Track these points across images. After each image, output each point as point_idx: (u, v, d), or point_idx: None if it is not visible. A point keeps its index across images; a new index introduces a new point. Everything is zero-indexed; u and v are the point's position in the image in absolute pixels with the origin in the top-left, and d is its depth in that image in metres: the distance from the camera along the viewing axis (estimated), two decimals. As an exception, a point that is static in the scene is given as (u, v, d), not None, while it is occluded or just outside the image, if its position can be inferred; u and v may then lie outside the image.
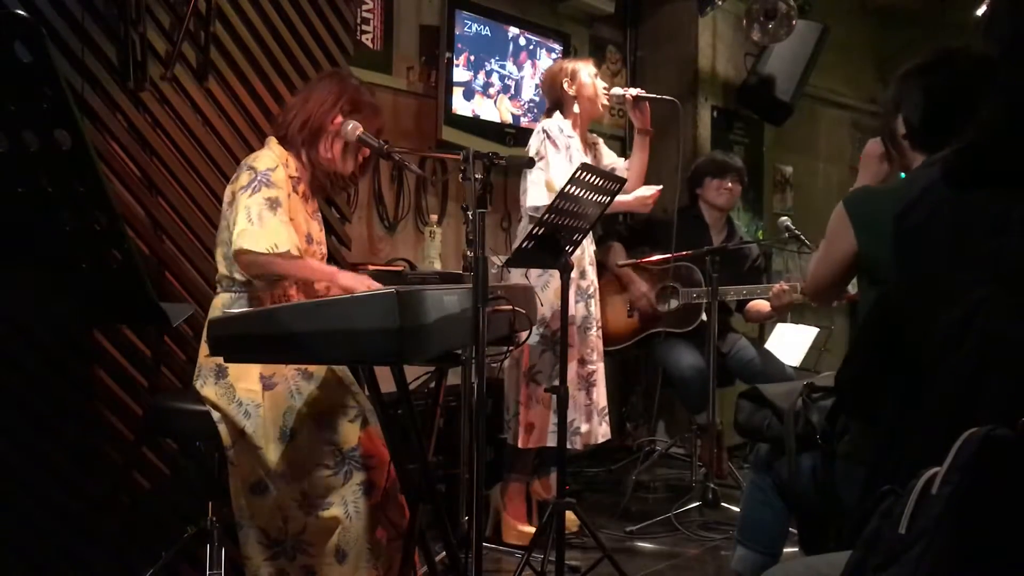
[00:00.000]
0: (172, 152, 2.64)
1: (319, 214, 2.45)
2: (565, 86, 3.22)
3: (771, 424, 1.93)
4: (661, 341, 3.80)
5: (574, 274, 3.16)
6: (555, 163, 3.09)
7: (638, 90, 3.22)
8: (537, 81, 4.20)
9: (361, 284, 2.16)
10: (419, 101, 3.93)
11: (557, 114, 3.25)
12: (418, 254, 3.83)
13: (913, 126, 1.77)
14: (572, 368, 3.13)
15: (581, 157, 3.17)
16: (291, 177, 2.28)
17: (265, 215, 2.12)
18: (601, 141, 3.44)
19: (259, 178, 2.17)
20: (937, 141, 1.66)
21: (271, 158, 2.23)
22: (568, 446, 3.15)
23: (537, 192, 3.08)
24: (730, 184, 3.96)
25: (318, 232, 2.39)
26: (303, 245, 2.26)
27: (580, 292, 3.20)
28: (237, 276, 2.20)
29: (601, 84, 3.25)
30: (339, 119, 2.32)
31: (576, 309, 3.17)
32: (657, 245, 3.84)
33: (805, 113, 5.58)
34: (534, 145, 3.17)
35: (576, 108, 3.23)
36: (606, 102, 3.28)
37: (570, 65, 3.26)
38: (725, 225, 4.04)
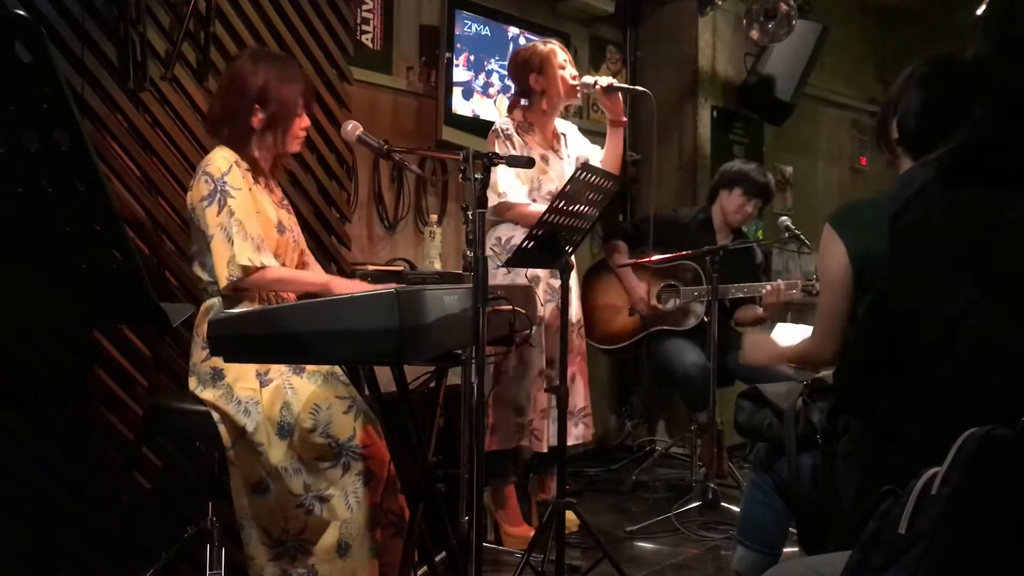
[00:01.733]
0: (172, 152, 2.64)
1: (287, 201, 2.44)
2: (531, 81, 3.13)
3: (771, 424, 1.93)
4: (663, 339, 3.81)
5: (544, 273, 3.12)
6: (501, 169, 2.99)
7: (609, 79, 3.07)
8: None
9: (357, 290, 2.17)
10: (419, 101, 3.93)
11: (517, 111, 3.19)
12: (418, 254, 3.83)
13: (907, 131, 1.79)
14: (536, 368, 3.10)
15: (538, 163, 3.10)
16: (248, 171, 2.27)
17: (243, 231, 2.14)
18: (574, 129, 3.34)
19: (219, 187, 2.16)
20: (928, 147, 1.68)
21: (224, 160, 2.21)
22: (523, 443, 3.14)
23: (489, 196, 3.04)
24: (751, 208, 3.92)
25: (288, 219, 2.37)
26: (275, 235, 2.26)
27: (551, 292, 3.14)
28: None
29: (571, 72, 3.14)
30: (260, 114, 2.28)
31: (546, 310, 3.12)
32: (659, 244, 3.85)
33: (805, 113, 5.58)
34: (489, 147, 3.09)
35: (544, 103, 3.15)
36: (576, 93, 3.17)
37: (539, 54, 3.14)
38: (731, 231, 4.03)
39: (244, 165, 2.26)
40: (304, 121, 2.36)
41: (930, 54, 1.81)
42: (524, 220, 3.00)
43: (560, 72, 3.13)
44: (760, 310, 3.70)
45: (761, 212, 4.09)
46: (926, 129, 1.75)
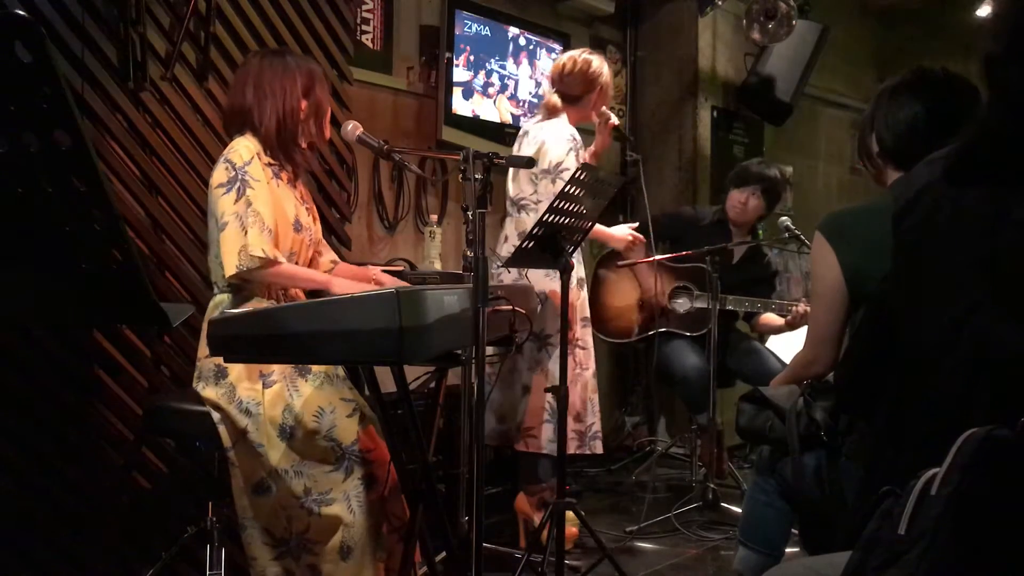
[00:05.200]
0: (172, 152, 2.64)
1: (307, 196, 2.42)
2: (597, 94, 3.19)
3: (773, 426, 1.93)
4: (667, 339, 3.80)
5: (582, 273, 3.18)
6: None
7: (618, 120, 3.28)
8: (538, 79, 4.20)
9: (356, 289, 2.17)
10: (419, 101, 3.93)
11: (565, 120, 3.18)
12: (418, 254, 3.83)
13: (885, 143, 1.83)
14: (591, 371, 3.14)
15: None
16: (270, 165, 2.25)
17: (260, 221, 2.13)
18: None
19: (239, 176, 2.15)
20: (909, 159, 1.71)
21: (247, 150, 2.20)
22: (583, 450, 3.15)
23: None
24: (745, 197, 3.85)
25: (306, 217, 2.35)
26: (291, 234, 2.26)
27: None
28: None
29: None
30: (304, 104, 2.30)
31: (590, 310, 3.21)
32: (676, 242, 3.85)
33: (805, 113, 5.58)
34: (559, 152, 3.03)
35: (584, 114, 3.22)
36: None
37: (607, 71, 3.23)
38: (747, 235, 4.00)
39: (267, 159, 2.25)
40: (323, 117, 2.39)
41: (908, 70, 1.85)
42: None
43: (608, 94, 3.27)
44: (782, 321, 3.69)
45: (771, 205, 3.96)
46: (902, 138, 1.80)
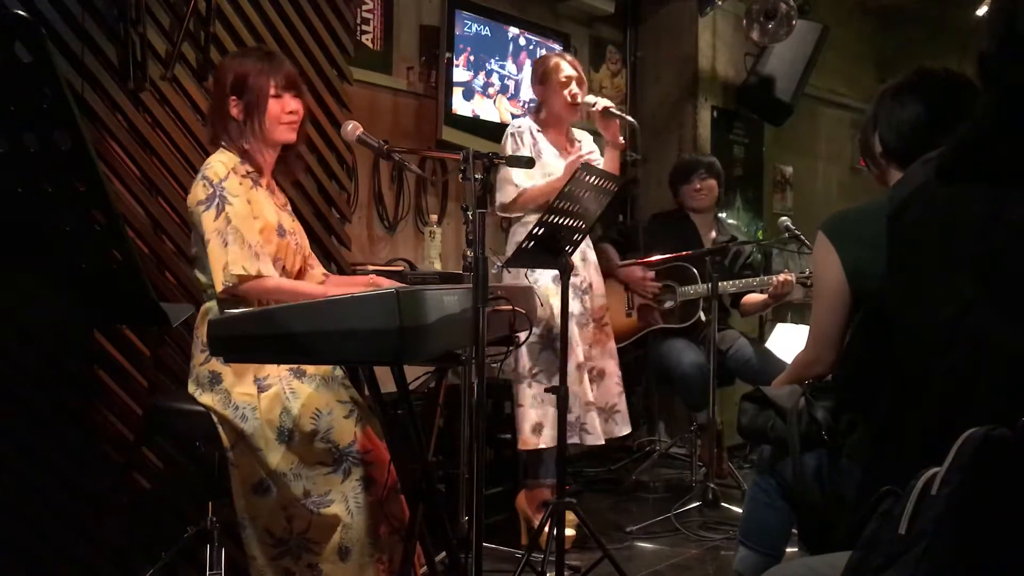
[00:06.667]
0: (172, 152, 2.64)
1: (288, 206, 2.42)
2: (535, 91, 3.28)
3: (775, 425, 1.93)
4: (661, 339, 3.81)
5: (585, 272, 3.18)
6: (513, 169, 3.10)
7: (606, 103, 3.12)
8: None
9: None
10: (419, 101, 3.93)
11: (527, 117, 3.31)
12: (418, 254, 3.83)
13: (888, 142, 1.83)
14: (574, 363, 3.12)
15: (552, 158, 3.18)
16: (247, 175, 2.25)
17: (240, 238, 2.13)
18: (588, 140, 3.37)
19: (217, 192, 2.16)
20: (912, 160, 1.71)
21: (222, 165, 2.20)
22: (573, 440, 3.16)
23: (505, 191, 3.12)
24: (698, 184, 3.97)
25: (290, 222, 2.35)
26: (275, 239, 2.26)
27: (573, 289, 3.18)
28: None
29: (573, 89, 3.20)
30: (234, 101, 2.26)
31: (575, 305, 3.17)
32: (647, 248, 3.87)
33: (805, 113, 5.58)
34: (503, 146, 3.22)
35: (545, 114, 3.26)
36: (577, 111, 3.25)
37: (543, 65, 3.25)
38: (714, 222, 4.07)
39: (243, 170, 2.25)
40: (286, 105, 2.29)
41: (910, 70, 1.86)
42: (547, 196, 2.95)
43: (562, 87, 3.19)
44: (765, 296, 3.73)
45: (721, 183, 4.06)
46: (905, 138, 1.80)
